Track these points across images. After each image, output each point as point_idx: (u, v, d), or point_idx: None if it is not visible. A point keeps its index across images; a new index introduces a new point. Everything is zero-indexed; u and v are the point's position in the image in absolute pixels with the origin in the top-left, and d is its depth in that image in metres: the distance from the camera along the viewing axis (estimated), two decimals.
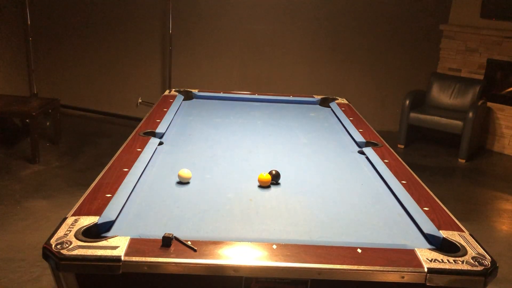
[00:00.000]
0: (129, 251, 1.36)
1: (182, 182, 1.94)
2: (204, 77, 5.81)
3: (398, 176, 2.05)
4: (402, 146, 5.48)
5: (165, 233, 1.41)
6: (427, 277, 1.35)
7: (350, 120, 2.92)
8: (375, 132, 2.73)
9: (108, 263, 1.32)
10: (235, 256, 1.39)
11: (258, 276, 1.39)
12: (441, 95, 5.60)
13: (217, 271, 1.36)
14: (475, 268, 1.38)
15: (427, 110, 5.43)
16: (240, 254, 1.40)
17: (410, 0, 5.72)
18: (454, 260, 1.40)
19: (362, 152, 2.41)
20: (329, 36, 5.82)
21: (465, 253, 1.45)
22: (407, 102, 5.36)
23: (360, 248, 1.45)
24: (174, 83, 5.64)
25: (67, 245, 1.35)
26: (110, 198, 1.68)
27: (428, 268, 1.36)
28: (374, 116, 5.23)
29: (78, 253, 1.33)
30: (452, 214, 1.74)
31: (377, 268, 1.37)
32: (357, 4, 5.71)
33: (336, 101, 3.39)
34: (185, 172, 1.95)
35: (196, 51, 5.78)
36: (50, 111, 4.71)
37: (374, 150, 2.36)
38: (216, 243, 1.44)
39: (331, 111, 3.24)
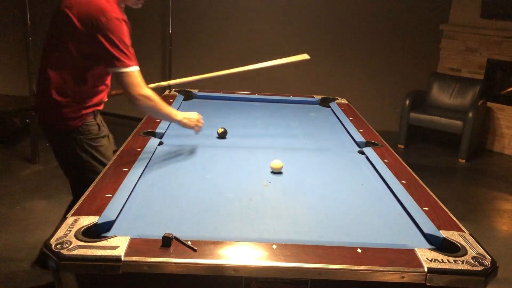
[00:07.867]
0: (129, 251, 1.35)
1: (274, 172, 2.06)
2: None
3: (398, 176, 2.05)
4: (402, 146, 5.48)
5: (165, 233, 1.41)
6: (427, 277, 1.35)
7: (350, 120, 2.92)
8: (375, 132, 2.73)
9: (108, 263, 1.32)
10: (235, 256, 1.39)
11: (258, 276, 1.39)
12: (441, 95, 5.59)
13: (217, 271, 1.36)
14: (475, 268, 1.37)
15: (427, 110, 5.43)
16: (240, 254, 1.40)
17: (410, 0, 5.72)
18: (454, 260, 1.40)
19: (362, 152, 2.41)
20: (329, 36, 5.81)
21: (465, 253, 1.44)
22: (407, 102, 5.36)
23: (360, 248, 1.45)
24: None
25: (67, 245, 1.35)
26: (110, 198, 1.68)
27: (428, 268, 1.36)
28: (374, 116, 5.21)
29: (78, 253, 1.33)
30: (452, 214, 1.73)
31: (377, 268, 1.37)
32: (357, 4, 5.71)
33: (336, 101, 3.39)
34: (276, 163, 2.06)
35: (196, 51, 5.77)
36: None
37: (374, 150, 2.36)
38: (216, 243, 1.44)
39: (331, 111, 3.24)
